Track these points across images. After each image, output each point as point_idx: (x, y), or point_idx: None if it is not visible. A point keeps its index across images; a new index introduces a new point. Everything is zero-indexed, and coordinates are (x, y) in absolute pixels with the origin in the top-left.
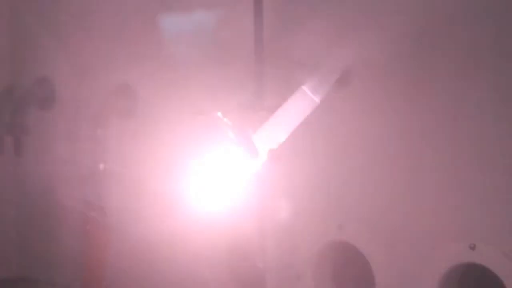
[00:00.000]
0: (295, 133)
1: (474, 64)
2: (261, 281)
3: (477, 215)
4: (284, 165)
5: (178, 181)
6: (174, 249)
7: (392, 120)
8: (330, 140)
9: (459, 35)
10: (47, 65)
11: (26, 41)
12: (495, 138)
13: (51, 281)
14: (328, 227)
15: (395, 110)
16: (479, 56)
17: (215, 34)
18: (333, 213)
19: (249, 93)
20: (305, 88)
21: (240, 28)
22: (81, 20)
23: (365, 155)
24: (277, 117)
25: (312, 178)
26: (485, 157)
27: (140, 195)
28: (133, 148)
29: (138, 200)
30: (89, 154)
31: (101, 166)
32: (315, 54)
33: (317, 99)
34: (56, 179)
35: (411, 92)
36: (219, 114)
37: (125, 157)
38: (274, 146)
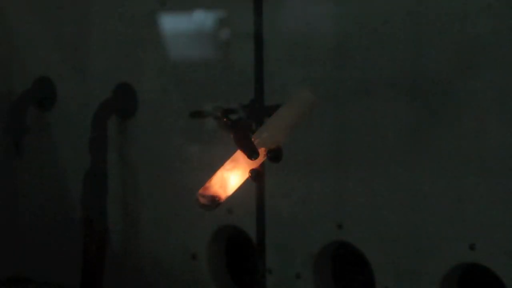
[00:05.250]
0: (295, 133)
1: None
2: (260, 281)
3: (477, 215)
4: (284, 165)
5: (178, 181)
6: (173, 248)
7: (392, 119)
8: (330, 139)
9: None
10: (47, 65)
11: (26, 41)
12: (496, 137)
13: (50, 281)
14: (328, 227)
15: (395, 109)
16: (482, 51)
17: (215, 33)
18: (333, 213)
19: (249, 93)
20: (305, 88)
21: (240, 27)
22: (81, 19)
23: (365, 154)
24: (277, 117)
25: (312, 178)
26: (486, 156)
27: (140, 194)
28: (133, 148)
29: (138, 199)
30: (89, 154)
31: (101, 166)
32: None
33: (317, 99)
34: (55, 179)
35: (412, 91)
36: (219, 114)
37: (125, 157)
38: (274, 146)
